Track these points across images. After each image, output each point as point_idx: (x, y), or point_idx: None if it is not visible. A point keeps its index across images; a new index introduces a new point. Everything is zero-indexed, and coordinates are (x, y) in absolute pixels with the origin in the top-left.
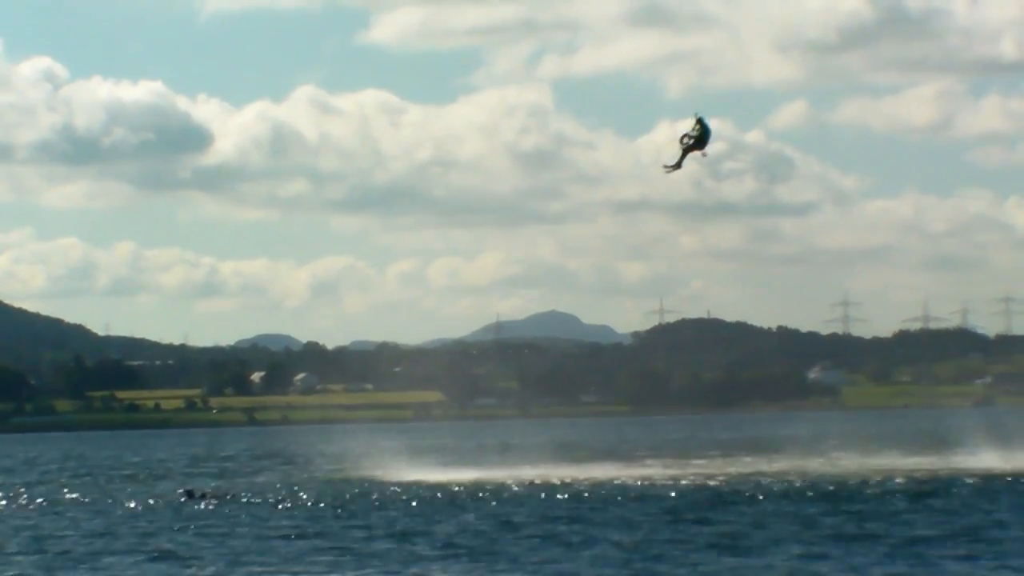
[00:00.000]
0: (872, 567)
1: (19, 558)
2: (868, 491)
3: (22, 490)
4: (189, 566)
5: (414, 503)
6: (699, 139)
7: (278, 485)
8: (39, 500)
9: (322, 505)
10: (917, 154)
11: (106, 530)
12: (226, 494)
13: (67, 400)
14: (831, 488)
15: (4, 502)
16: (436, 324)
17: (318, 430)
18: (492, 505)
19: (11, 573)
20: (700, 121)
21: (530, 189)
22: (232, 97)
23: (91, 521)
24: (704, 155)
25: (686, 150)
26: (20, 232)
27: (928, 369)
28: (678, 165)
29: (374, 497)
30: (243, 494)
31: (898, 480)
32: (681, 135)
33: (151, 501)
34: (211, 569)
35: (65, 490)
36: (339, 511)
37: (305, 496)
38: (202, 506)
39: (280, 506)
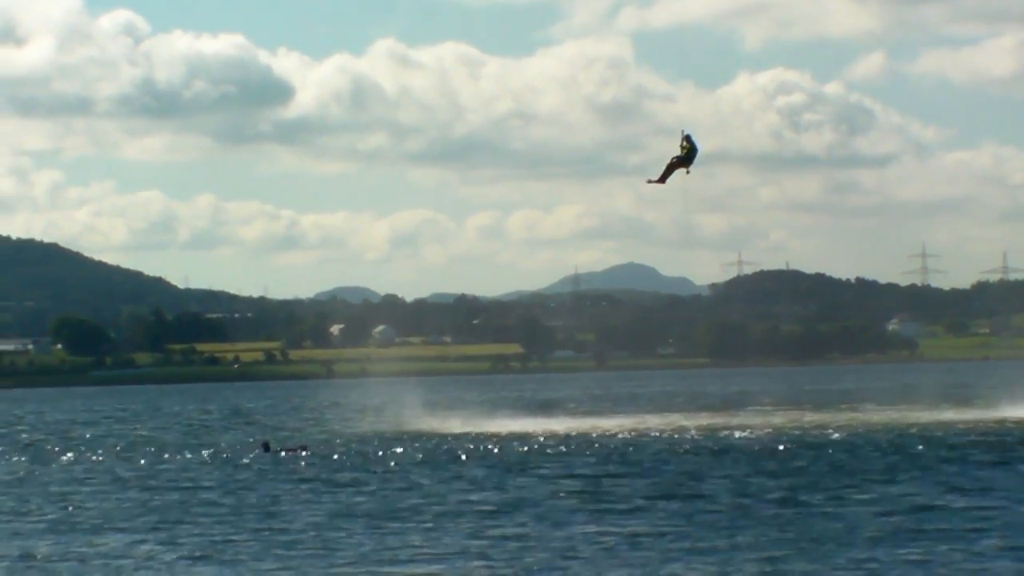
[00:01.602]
0: None
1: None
2: None
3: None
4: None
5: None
6: (686, 157)
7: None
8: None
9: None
10: (996, 105)
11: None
12: (303, 447)
13: (147, 353)
14: None
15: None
16: (514, 276)
17: (400, 383)
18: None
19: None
20: (688, 139)
21: (609, 141)
22: (312, 50)
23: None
24: (687, 172)
25: (672, 166)
26: (101, 185)
27: (1006, 320)
28: (662, 180)
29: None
30: (320, 448)
31: None
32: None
33: (228, 454)
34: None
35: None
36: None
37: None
38: (277, 457)
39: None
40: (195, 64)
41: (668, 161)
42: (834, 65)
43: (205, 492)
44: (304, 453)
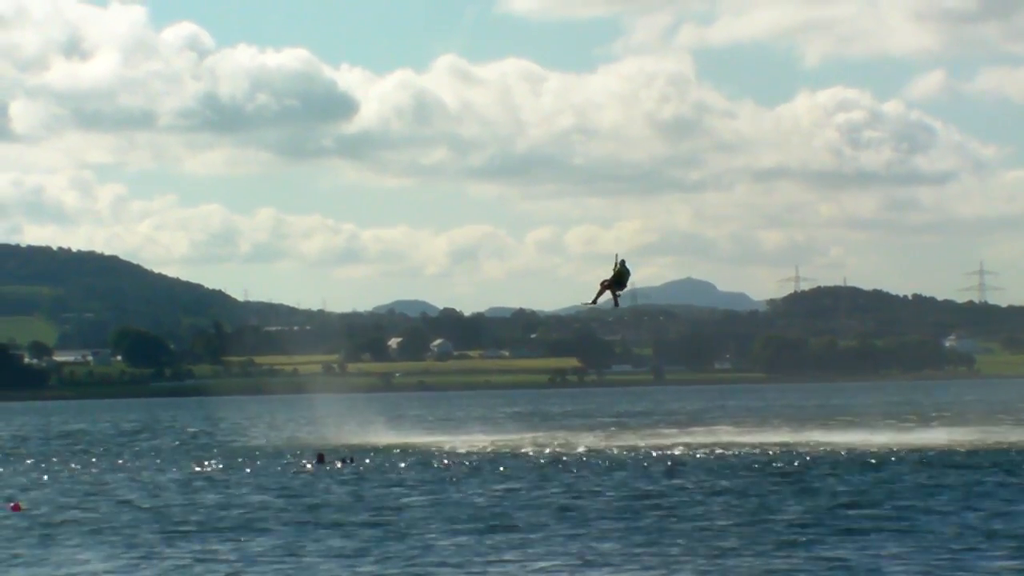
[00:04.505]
0: None
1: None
2: None
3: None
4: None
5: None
6: (616, 280)
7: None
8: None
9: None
10: None
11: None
12: (351, 458)
13: (206, 365)
14: None
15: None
16: (572, 291)
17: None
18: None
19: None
20: (622, 263)
21: (668, 157)
22: (375, 66)
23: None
24: (616, 303)
25: (604, 287)
26: (163, 199)
27: None
28: (594, 302)
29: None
30: (368, 459)
31: None
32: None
33: (285, 465)
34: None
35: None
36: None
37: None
38: (332, 469)
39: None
40: (258, 78)
41: (601, 285)
42: (893, 83)
43: (279, 499)
44: (352, 463)
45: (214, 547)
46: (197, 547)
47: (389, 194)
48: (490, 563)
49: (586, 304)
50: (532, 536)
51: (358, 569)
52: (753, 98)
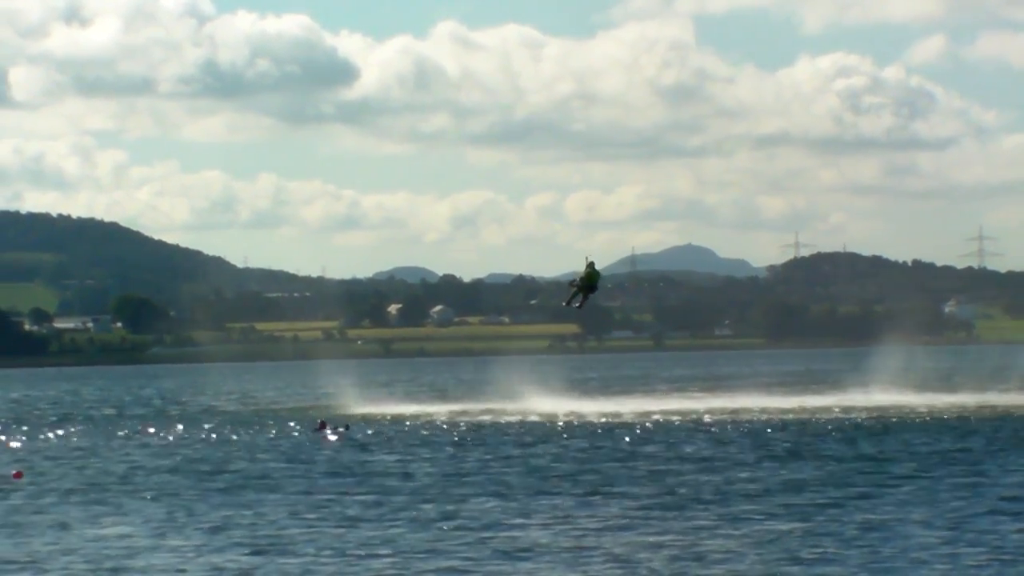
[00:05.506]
0: None
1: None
2: None
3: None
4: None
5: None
6: (586, 285)
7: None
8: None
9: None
10: None
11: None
12: (346, 425)
13: (206, 331)
14: None
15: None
16: (573, 257)
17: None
18: None
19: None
20: (591, 266)
21: (669, 123)
22: (375, 32)
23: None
24: (586, 298)
25: (576, 291)
26: (163, 165)
27: None
28: (569, 304)
29: None
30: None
31: None
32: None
33: (292, 432)
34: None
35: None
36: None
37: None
38: (334, 438)
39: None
40: (259, 44)
41: (572, 286)
42: (894, 48)
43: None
44: (342, 430)
45: (226, 511)
46: (210, 511)
47: (389, 160)
48: (488, 527)
49: (566, 305)
50: (534, 501)
51: (368, 533)
52: (754, 63)
